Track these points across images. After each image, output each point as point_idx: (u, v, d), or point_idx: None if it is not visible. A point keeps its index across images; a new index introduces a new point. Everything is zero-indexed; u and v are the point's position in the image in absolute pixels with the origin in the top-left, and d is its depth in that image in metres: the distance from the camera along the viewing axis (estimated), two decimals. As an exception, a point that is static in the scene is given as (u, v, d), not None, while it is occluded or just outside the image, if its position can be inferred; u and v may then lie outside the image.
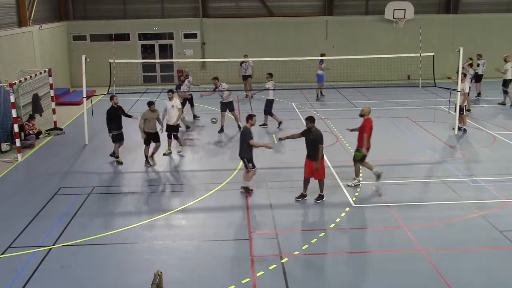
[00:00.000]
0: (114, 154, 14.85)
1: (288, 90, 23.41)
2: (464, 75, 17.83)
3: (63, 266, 9.23)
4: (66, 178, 13.77)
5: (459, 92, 17.41)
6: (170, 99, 15.32)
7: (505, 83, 21.68)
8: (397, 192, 12.41)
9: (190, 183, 13.31)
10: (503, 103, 21.78)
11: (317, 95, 23.78)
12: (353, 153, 12.86)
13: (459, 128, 17.29)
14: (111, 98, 14.59)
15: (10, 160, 15.19)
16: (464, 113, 17.34)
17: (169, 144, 15.48)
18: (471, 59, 22.22)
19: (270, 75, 18.67)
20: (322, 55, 23.14)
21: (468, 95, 18.41)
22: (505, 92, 21.67)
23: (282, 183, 13.04)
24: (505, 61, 21.83)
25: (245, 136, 12.08)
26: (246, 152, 12.18)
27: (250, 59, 22.83)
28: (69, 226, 10.79)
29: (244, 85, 23.94)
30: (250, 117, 12.15)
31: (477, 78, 22.78)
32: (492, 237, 10.13)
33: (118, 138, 14.66)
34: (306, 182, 11.91)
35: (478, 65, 22.96)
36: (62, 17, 27.51)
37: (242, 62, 23.48)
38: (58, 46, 25.71)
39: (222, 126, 17.93)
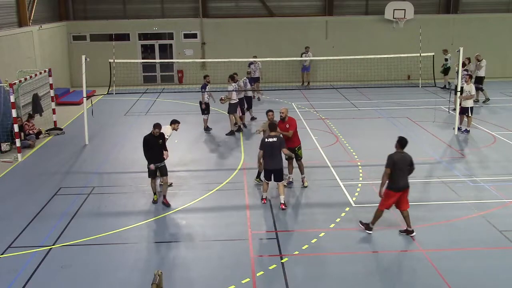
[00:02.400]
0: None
1: (288, 90, 23.41)
2: (470, 76, 17.69)
3: (63, 266, 9.23)
4: (66, 178, 13.77)
5: (458, 92, 17.41)
6: (177, 130, 13.00)
7: (479, 80, 21.79)
8: (397, 192, 12.40)
9: (190, 183, 13.30)
10: (477, 100, 21.78)
11: (303, 82, 26.94)
12: (297, 152, 12.49)
13: (459, 129, 17.28)
14: (154, 127, 11.68)
15: (10, 160, 15.19)
16: (470, 114, 17.23)
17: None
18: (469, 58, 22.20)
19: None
20: (306, 48, 25.96)
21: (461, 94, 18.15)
22: (480, 89, 21.77)
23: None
24: (477, 60, 21.98)
25: (282, 144, 11.47)
26: (282, 161, 11.63)
27: (258, 60, 22.24)
28: (69, 226, 10.79)
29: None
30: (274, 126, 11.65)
31: (445, 71, 24.54)
32: (492, 237, 10.12)
33: (154, 173, 11.78)
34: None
35: (446, 59, 24.39)
36: (62, 17, 27.52)
37: (250, 63, 23.04)
38: (58, 46, 25.71)
39: (239, 126, 17.85)
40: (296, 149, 12.39)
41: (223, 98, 17.69)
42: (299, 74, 27.22)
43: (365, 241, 10.04)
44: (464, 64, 20.77)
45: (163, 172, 11.81)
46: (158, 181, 12.15)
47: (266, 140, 11.43)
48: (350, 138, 16.85)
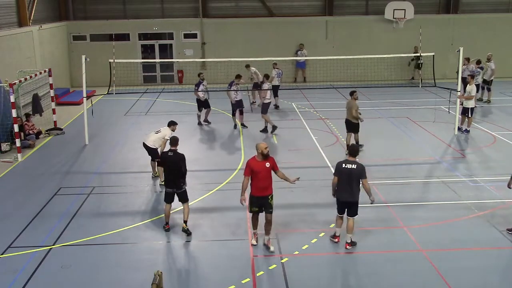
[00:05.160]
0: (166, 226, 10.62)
1: (288, 90, 23.40)
2: (472, 76, 17.66)
3: (63, 266, 9.23)
4: (66, 178, 13.77)
5: (458, 92, 17.41)
6: (173, 131, 12.98)
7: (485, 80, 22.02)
8: (397, 192, 12.42)
9: (190, 183, 13.26)
10: (488, 100, 21.84)
11: (296, 79, 27.91)
12: (270, 202, 9.69)
13: (459, 129, 17.26)
14: (175, 143, 10.48)
15: (10, 160, 15.19)
16: (470, 115, 17.20)
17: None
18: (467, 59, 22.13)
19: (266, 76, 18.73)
20: (300, 45, 26.82)
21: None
22: (488, 89, 21.95)
23: (282, 183, 12.99)
24: (489, 60, 22.09)
25: (363, 173, 9.50)
26: (358, 193, 9.66)
27: (257, 58, 21.90)
28: (69, 226, 10.79)
29: (252, 94, 22.51)
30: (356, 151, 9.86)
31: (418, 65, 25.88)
32: (492, 237, 10.13)
33: (171, 198, 10.48)
34: None
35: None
36: (62, 17, 27.51)
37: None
38: (58, 46, 25.71)
39: (266, 127, 17.80)
40: (269, 198, 9.65)
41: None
42: (294, 72, 27.74)
43: (365, 241, 10.02)
44: (479, 62, 20.86)
45: (169, 198, 10.46)
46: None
47: (343, 165, 9.53)
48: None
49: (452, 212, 11.27)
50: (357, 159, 9.76)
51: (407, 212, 11.30)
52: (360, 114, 15.04)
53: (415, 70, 26.60)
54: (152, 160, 13.38)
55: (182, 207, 10.50)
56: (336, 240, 9.94)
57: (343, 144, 16.25)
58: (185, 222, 10.44)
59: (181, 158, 10.23)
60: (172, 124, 13.10)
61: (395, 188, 12.69)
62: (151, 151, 13.12)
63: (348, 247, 9.73)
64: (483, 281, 8.71)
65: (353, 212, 9.68)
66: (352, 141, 15.18)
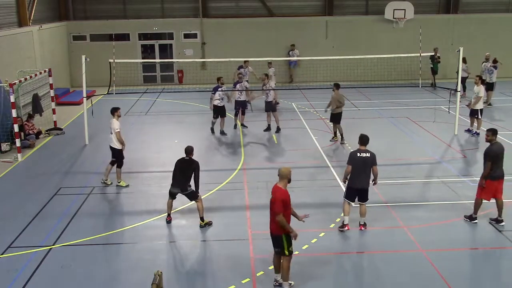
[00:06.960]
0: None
1: (288, 90, 23.41)
2: (480, 77, 17.50)
3: (63, 266, 9.24)
4: (66, 178, 13.77)
5: (458, 92, 17.41)
6: (119, 117, 12.76)
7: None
8: (397, 192, 12.41)
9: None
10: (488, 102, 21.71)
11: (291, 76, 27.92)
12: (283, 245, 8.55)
13: (470, 130, 17.18)
14: (189, 151, 10.93)
15: (10, 160, 15.19)
16: (480, 116, 17.11)
17: (120, 174, 13.11)
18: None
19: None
20: (292, 45, 26.85)
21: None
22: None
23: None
24: (487, 59, 21.92)
25: (375, 161, 10.09)
26: (369, 180, 10.23)
27: (249, 59, 20.94)
28: (69, 226, 10.79)
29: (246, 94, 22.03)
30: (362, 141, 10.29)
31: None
32: (492, 237, 10.13)
33: (172, 195, 10.88)
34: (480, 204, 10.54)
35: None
36: (62, 17, 27.52)
37: (240, 67, 21.20)
38: (58, 46, 25.71)
39: (269, 125, 17.87)
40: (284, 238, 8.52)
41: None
42: (300, 74, 27.55)
43: (365, 241, 10.04)
44: (495, 61, 20.74)
45: (172, 195, 10.85)
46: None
47: (358, 154, 9.98)
48: (350, 138, 16.82)
49: (452, 212, 11.27)
50: (367, 148, 10.23)
51: (407, 212, 11.30)
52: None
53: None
54: (118, 161, 12.88)
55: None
56: (346, 228, 10.31)
57: (343, 144, 16.28)
58: (201, 218, 10.74)
59: (197, 165, 10.64)
60: (113, 111, 12.69)
61: (395, 188, 12.69)
62: (115, 152, 12.81)
63: (362, 228, 10.38)
64: (483, 281, 8.71)
65: (365, 198, 10.30)
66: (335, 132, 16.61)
